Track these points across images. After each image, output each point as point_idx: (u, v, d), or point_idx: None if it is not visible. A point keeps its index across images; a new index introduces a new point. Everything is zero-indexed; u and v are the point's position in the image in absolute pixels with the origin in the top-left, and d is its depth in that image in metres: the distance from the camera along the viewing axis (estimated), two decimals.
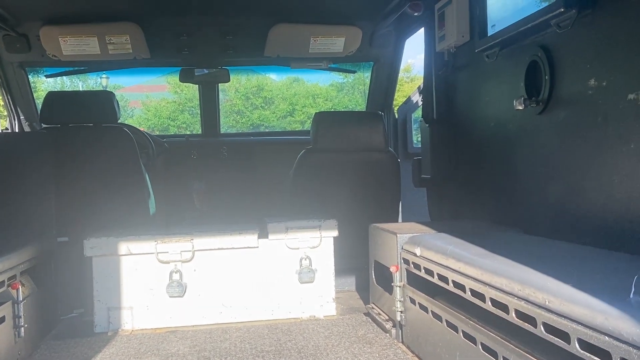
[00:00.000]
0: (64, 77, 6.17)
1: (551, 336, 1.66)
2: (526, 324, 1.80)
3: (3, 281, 2.72)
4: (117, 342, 3.09)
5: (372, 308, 3.43)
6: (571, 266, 1.94)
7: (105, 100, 4.00)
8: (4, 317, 2.68)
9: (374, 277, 3.46)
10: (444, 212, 4.19)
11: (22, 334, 2.80)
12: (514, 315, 1.88)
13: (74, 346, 3.04)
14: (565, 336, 1.59)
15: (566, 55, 2.70)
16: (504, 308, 1.94)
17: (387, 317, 3.19)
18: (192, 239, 3.37)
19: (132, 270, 3.34)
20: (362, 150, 4.24)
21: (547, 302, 1.68)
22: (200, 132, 5.71)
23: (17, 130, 5.03)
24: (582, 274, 1.78)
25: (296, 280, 3.50)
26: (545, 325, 1.69)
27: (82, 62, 4.93)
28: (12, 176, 3.48)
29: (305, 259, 3.51)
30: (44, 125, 4.21)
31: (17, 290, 2.80)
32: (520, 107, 2.96)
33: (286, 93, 30.86)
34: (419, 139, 4.74)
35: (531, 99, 2.94)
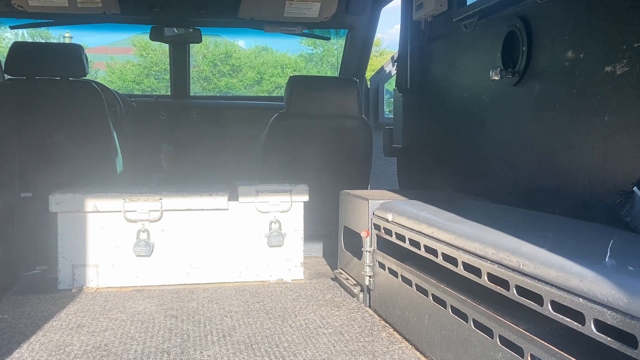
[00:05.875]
0: (25, 34, 5.95)
1: (523, 299, 1.69)
2: (498, 287, 1.82)
3: None
4: (82, 299, 3.04)
5: (340, 273, 3.45)
6: (544, 232, 1.97)
7: (74, 54, 3.87)
8: None
9: (342, 242, 3.47)
10: (414, 181, 4.21)
11: None
12: (486, 278, 1.90)
13: (37, 302, 2.98)
14: (538, 298, 1.62)
15: (544, 26, 2.71)
16: (477, 272, 1.96)
17: (355, 282, 3.21)
18: (161, 199, 3.32)
19: (98, 227, 3.28)
20: (336, 117, 4.22)
21: (521, 266, 1.71)
22: (169, 93, 5.60)
23: None
24: (555, 239, 1.80)
25: (265, 244, 3.49)
26: (518, 288, 1.72)
27: (49, 15, 4.75)
28: None
29: (275, 223, 3.50)
30: (7, 77, 4.06)
31: None
32: (496, 78, 2.97)
33: (254, 61, 30.50)
34: (390, 109, 4.74)
35: (507, 69, 2.95)
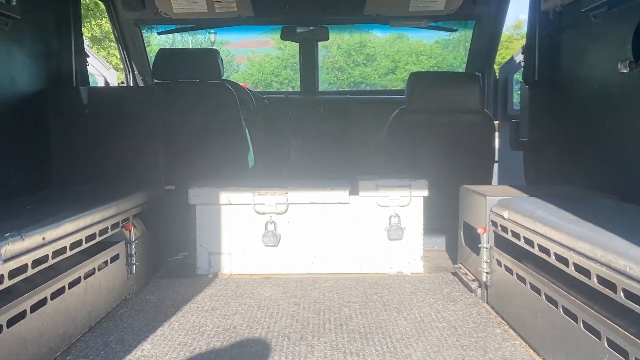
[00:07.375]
0: (176, 35, 6.46)
1: (630, 302, 1.67)
2: (607, 289, 1.81)
3: (117, 223, 3.01)
4: (217, 284, 3.34)
5: (460, 268, 3.48)
6: None
7: (210, 58, 4.21)
8: (118, 254, 2.97)
9: (462, 237, 3.49)
10: (540, 175, 4.11)
11: (134, 271, 3.10)
12: (595, 280, 1.89)
13: (179, 285, 3.31)
14: None
15: None
16: (586, 273, 1.95)
17: (473, 278, 3.23)
18: (287, 192, 3.53)
19: (231, 218, 3.56)
20: (457, 112, 4.22)
21: (627, 269, 1.69)
22: (299, 89, 5.86)
23: (131, 84, 5.40)
24: None
25: (385, 237, 3.60)
26: (625, 291, 1.70)
27: (190, 20, 5.17)
28: (128, 127, 3.78)
29: (395, 217, 3.59)
30: (155, 80, 4.50)
31: (130, 231, 3.08)
32: (625, 71, 2.86)
33: (389, 50, 30.42)
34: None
35: (638, 62, 2.82)
